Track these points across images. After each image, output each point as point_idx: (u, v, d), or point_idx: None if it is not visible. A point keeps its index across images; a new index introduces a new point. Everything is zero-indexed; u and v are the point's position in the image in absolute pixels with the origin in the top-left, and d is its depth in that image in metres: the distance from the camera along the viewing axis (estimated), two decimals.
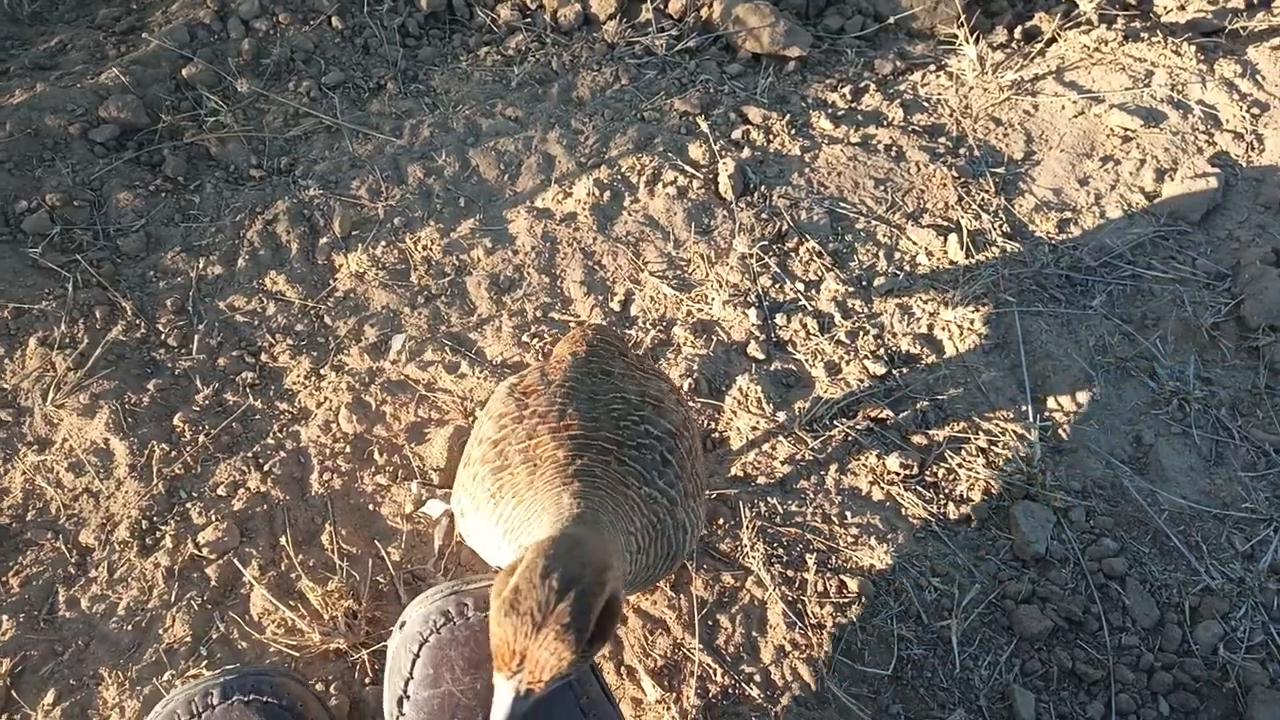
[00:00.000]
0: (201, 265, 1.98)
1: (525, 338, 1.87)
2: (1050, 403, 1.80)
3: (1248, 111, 2.32)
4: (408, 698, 1.13)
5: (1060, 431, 1.76)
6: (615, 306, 1.93)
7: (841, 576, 1.57)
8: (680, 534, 1.21)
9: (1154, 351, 1.87)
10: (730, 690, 1.46)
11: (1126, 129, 2.29)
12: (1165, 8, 2.69)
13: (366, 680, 1.47)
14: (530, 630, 0.89)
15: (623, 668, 1.48)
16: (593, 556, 0.96)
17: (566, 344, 1.47)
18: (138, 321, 1.88)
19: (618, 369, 1.37)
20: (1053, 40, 2.57)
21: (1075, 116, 2.33)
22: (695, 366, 1.82)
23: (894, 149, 2.25)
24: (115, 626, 1.51)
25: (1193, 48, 2.47)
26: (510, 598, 0.91)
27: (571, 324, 1.70)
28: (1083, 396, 1.80)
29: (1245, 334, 1.90)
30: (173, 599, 1.54)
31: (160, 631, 1.50)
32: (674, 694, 1.45)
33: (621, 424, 1.23)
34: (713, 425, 1.77)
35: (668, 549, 1.19)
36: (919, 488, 1.68)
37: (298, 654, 1.48)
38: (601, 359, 1.39)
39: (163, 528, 1.61)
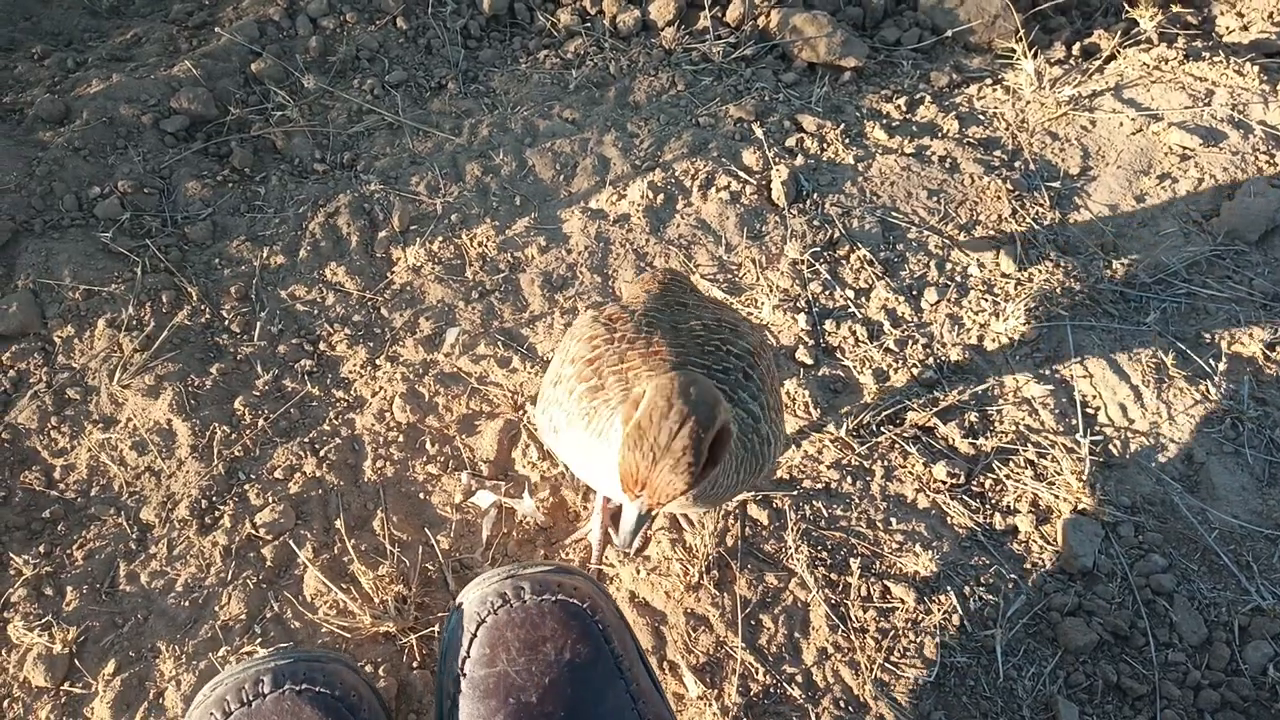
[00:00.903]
0: (265, 255, 2.04)
1: None
2: (1101, 417, 1.79)
3: None
4: (464, 675, 1.16)
5: (1110, 446, 1.75)
6: None
7: (885, 582, 1.57)
8: (766, 447, 1.27)
9: (1208, 370, 1.85)
10: (771, 689, 1.47)
11: (1185, 147, 2.27)
12: (1228, 28, 2.67)
13: (414, 664, 1.50)
14: (650, 463, 1.03)
15: (665, 663, 1.50)
16: (706, 394, 1.08)
17: (639, 284, 1.53)
18: (202, 307, 1.94)
19: (691, 301, 1.44)
20: (1112, 57, 2.56)
21: (1133, 134, 2.32)
22: None
23: (948, 160, 2.25)
24: (173, 602, 1.56)
25: (1255, 68, 2.45)
26: (634, 434, 1.04)
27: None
28: (1134, 413, 1.79)
29: None
30: (229, 577, 1.58)
31: (216, 608, 1.55)
32: (715, 691, 1.47)
33: (705, 347, 1.28)
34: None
35: (756, 464, 1.25)
36: (965, 497, 1.68)
37: (348, 635, 1.51)
38: (675, 294, 1.46)
39: (221, 508, 1.66)
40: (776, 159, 2.23)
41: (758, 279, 2.01)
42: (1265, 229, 2.08)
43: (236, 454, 1.73)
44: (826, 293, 1.99)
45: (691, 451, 1.03)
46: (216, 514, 1.65)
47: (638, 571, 1.59)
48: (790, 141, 2.30)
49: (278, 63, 2.37)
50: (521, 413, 1.79)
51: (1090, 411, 1.80)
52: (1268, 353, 1.88)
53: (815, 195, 2.16)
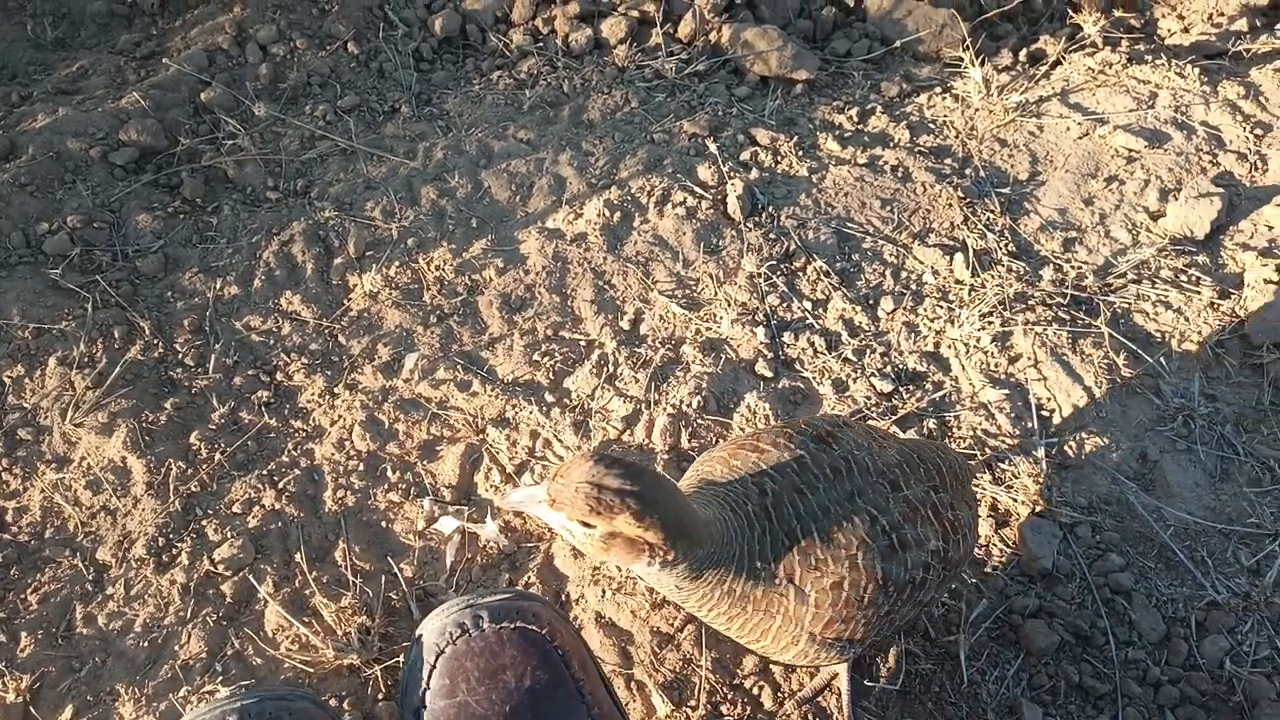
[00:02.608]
0: (218, 286, 2.02)
1: (536, 356, 1.90)
2: (1056, 419, 1.81)
3: (1251, 132, 2.34)
4: (425, 708, 1.15)
5: (1066, 448, 1.77)
6: (625, 326, 1.96)
7: None
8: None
9: (1159, 369, 1.88)
10: (739, 705, 1.47)
11: (1131, 150, 2.31)
12: (1169, 30, 2.72)
13: (380, 696, 1.49)
14: (587, 477, 1.06)
15: (633, 683, 1.49)
16: (673, 492, 1.11)
17: (899, 445, 1.35)
18: (155, 341, 1.92)
19: (912, 492, 1.26)
20: (1057, 63, 2.61)
21: (1080, 138, 2.36)
22: (704, 385, 1.84)
23: (900, 170, 2.28)
24: (132, 643, 1.53)
25: (1196, 70, 2.50)
26: (600, 449, 1.10)
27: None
28: (1088, 413, 1.82)
29: (1249, 351, 1.91)
30: (188, 615, 1.56)
31: (176, 648, 1.52)
32: (683, 709, 1.46)
33: (834, 532, 1.19)
34: (721, 443, 1.79)
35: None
36: None
37: (311, 670, 1.50)
38: (909, 473, 1.28)
39: (179, 545, 1.64)
40: (731, 173, 2.25)
41: (715, 294, 2.02)
42: (1211, 228, 2.12)
43: (193, 489, 1.71)
44: (784, 305, 2.00)
45: (606, 509, 1.05)
46: (174, 551, 1.63)
47: (603, 593, 1.58)
48: (745, 155, 2.32)
49: (228, 91, 2.35)
50: (482, 436, 1.79)
51: (1045, 414, 1.83)
52: (1217, 350, 1.92)
53: (770, 208, 2.18)
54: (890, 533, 1.21)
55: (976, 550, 1.64)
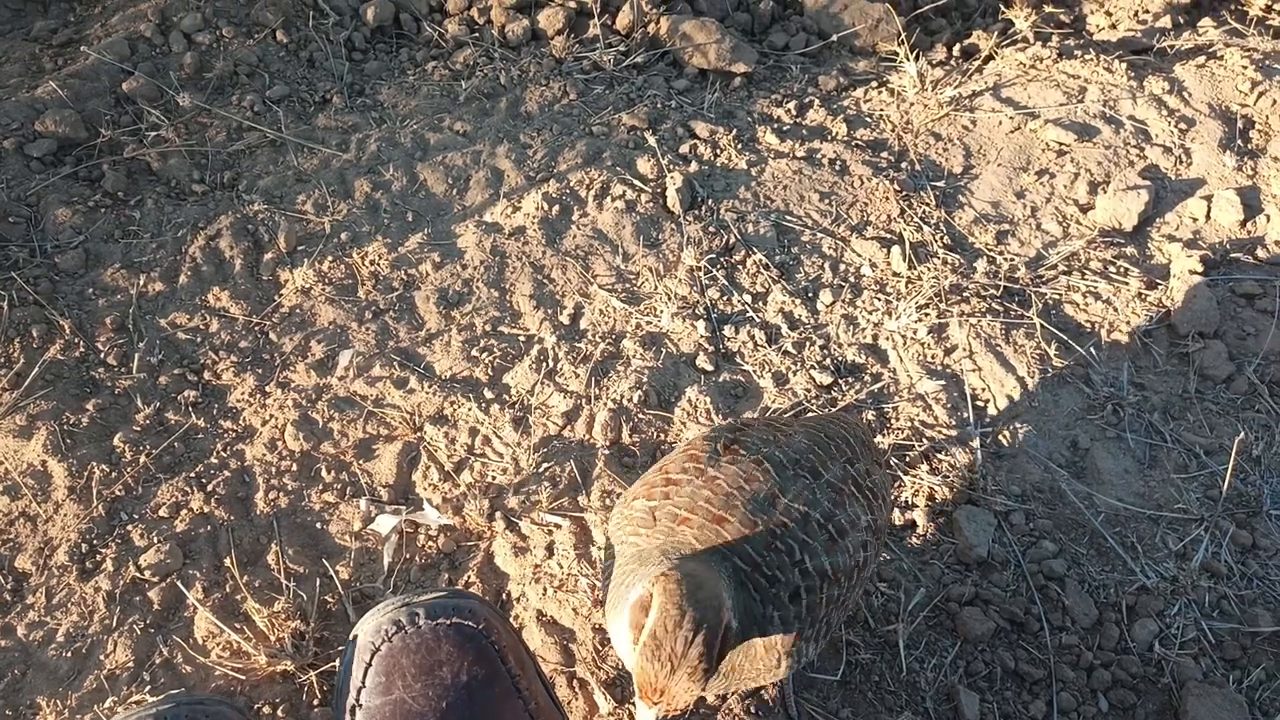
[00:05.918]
0: (142, 282, 1.95)
1: (475, 352, 1.87)
2: (990, 409, 1.84)
3: (1175, 126, 2.40)
4: (360, 706, 1.14)
5: (1000, 437, 1.80)
6: (565, 320, 1.94)
7: None
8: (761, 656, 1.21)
9: (1089, 359, 1.92)
10: None
11: (1061, 143, 2.36)
12: (1097, 26, 2.78)
13: (315, 703, 1.45)
14: (669, 673, 1.05)
15: (575, 680, 1.48)
16: (711, 596, 1.08)
17: (803, 428, 1.36)
18: (76, 340, 1.85)
19: (833, 474, 1.28)
20: (990, 58, 2.65)
21: (1012, 131, 2.40)
22: (645, 379, 1.83)
23: (838, 163, 2.29)
24: (54, 653, 1.47)
25: (1123, 65, 2.55)
26: (651, 645, 1.06)
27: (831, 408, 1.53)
28: (1021, 403, 1.85)
29: (1175, 341, 1.97)
30: (114, 624, 1.50)
31: (101, 657, 1.47)
32: (625, 706, 1.46)
33: (774, 544, 1.18)
34: (662, 437, 1.78)
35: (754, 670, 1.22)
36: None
37: (244, 677, 1.46)
38: (824, 454, 1.30)
39: (103, 551, 1.58)
40: (670, 166, 2.24)
41: (656, 288, 2.01)
42: (1138, 220, 2.17)
43: (117, 493, 1.65)
44: (724, 298, 2.00)
45: (706, 659, 1.05)
46: (98, 558, 1.57)
47: (544, 591, 1.57)
48: (684, 148, 2.31)
49: (151, 81, 2.27)
50: (420, 434, 1.75)
51: (980, 404, 1.85)
52: (1145, 340, 1.96)
53: (710, 201, 2.18)
54: (826, 524, 1.22)
55: (915, 540, 1.66)
